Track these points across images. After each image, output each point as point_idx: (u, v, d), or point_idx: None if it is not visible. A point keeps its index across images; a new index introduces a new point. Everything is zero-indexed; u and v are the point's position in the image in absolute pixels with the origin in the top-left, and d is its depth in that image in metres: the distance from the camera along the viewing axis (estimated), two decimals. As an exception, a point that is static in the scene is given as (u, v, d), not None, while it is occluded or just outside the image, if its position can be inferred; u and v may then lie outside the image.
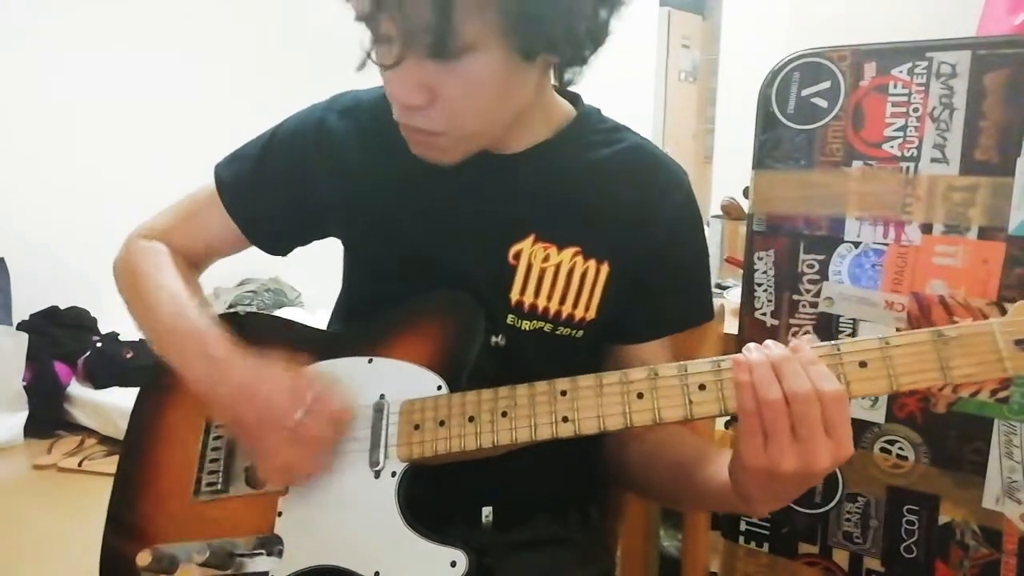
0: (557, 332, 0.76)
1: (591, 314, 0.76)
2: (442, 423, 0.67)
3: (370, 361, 0.73)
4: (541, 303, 0.75)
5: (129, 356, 2.80)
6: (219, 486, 0.74)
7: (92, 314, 3.02)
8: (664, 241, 0.78)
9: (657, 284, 0.79)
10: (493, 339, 0.74)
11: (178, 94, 3.38)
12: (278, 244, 0.87)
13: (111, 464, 2.46)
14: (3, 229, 2.85)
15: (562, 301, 0.75)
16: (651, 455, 0.77)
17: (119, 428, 2.60)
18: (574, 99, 0.81)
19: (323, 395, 0.69)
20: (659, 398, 0.60)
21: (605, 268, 0.76)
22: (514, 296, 0.75)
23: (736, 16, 3.50)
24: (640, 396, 0.61)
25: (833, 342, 0.58)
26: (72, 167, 3.08)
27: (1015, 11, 1.40)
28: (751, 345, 0.59)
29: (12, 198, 2.89)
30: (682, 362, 0.61)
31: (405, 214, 0.77)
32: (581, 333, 0.77)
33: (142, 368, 2.73)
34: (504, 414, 0.64)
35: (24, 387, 2.64)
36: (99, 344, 2.87)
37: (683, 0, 4.87)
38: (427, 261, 0.76)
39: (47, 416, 2.68)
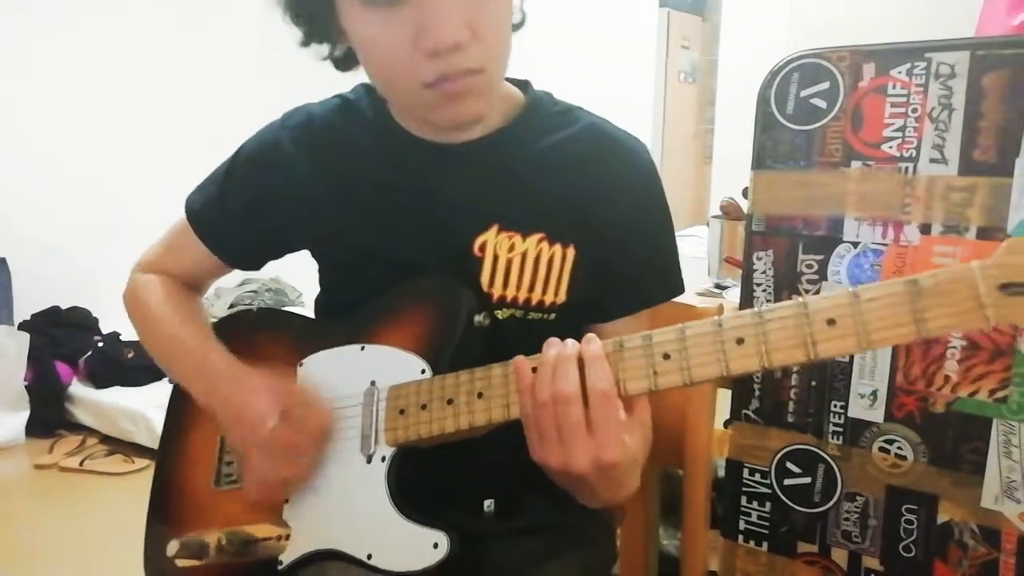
0: (529, 317, 0.77)
1: (561, 298, 0.77)
2: (424, 407, 0.68)
3: (363, 348, 0.75)
4: (510, 293, 0.76)
5: (130, 356, 2.80)
6: (234, 476, 0.79)
7: (93, 314, 3.02)
8: (628, 218, 0.78)
9: (625, 261, 0.79)
10: (477, 318, 0.74)
11: (180, 95, 3.39)
12: (251, 263, 0.92)
13: (112, 464, 2.48)
14: (5, 229, 2.86)
15: (531, 288, 0.76)
16: None
17: (120, 428, 2.61)
18: (523, 86, 0.81)
19: (299, 402, 0.72)
20: (625, 369, 0.60)
21: (571, 251, 0.76)
22: (483, 288, 0.76)
23: (735, 17, 3.51)
24: None
25: (756, 309, 0.58)
26: (73, 167, 3.08)
27: (1014, 11, 1.40)
28: (552, 340, 0.61)
29: (14, 198, 2.90)
30: (647, 332, 0.60)
31: (364, 220, 0.78)
32: (554, 316, 0.77)
33: (143, 368, 2.74)
34: (480, 395, 0.65)
35: (25, 387, 2.65)
36: (100, 344, 2.87)
37: (683, 1, 4.88)
38: (393, 261, 0.77)
39: (48, 416, 2.68)
